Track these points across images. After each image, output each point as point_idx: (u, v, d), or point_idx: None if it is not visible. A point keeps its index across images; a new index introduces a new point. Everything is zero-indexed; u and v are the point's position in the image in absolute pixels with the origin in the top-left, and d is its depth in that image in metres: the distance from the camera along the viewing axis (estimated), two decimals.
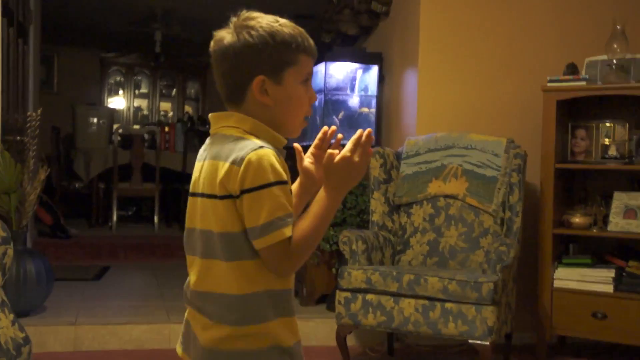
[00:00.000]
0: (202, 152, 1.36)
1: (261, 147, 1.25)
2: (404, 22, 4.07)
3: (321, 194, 1.30)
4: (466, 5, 3.85)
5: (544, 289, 3.39)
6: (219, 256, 1.29)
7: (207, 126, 7.97)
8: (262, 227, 1.23)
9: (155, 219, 6.88)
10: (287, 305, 1.32)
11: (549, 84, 3.45)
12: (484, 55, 3.85)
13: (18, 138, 3.88)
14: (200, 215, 1.33)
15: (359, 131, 1.30)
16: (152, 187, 6.89)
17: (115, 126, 8.49)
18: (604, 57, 3.42)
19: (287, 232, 1.23)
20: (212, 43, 1.34)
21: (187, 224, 1.38)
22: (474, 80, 3.85)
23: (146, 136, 7.94)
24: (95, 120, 8.06)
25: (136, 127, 9.19)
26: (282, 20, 1.32)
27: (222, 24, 1.35)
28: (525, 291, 3.50)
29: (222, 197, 1.26)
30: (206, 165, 1.31)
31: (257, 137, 1.29)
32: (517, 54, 3.86)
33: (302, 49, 1.31)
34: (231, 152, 1.26)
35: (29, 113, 3.90)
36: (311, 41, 1.33)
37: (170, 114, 9.65)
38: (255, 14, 1.32)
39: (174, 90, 9.70)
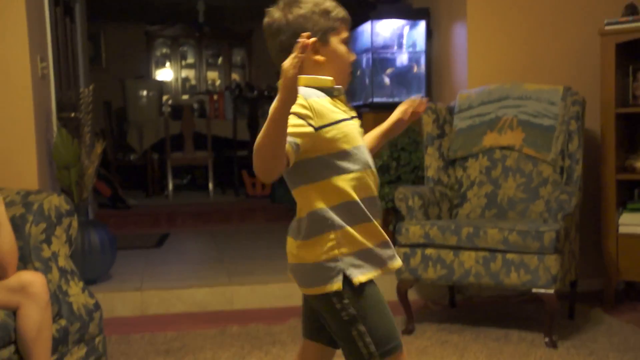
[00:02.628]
0: None
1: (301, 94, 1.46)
2: None
3: None
4: None
5: (609, 235, 3.33)
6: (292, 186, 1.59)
7: (255, 92, 7.99)
8: None
9: (210, 186, 6.98)
10: (352, 216, 1.53)
11: (606, 27, 3.34)
12: (536, 1, 3.74)
13: (72, 115, 3.96)
14: None
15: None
16: (205, 155, 6.97)
17: (164, 97, 8.59)
18: None
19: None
20: (265, 19, 1.60)
21: None
22: (526, 28, 3.74)
23: (195, 105, 8.02)
24: (144, 93, 8.16)
25: (185, 97, 9.28)
26: None
27: None
28: (589, 238, 3.44)
29: None
30: None
31: (311, 87, 1.55)
32: None
33: (340, 17, 1.61)
34: None
35: (81, 90, 3.97)
36: (345, 11, 1.63)
37: (218, 82, 9.70)
38: None
39: (220, 58, 9.73)
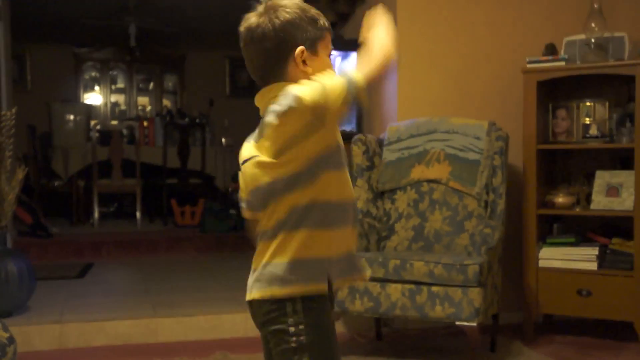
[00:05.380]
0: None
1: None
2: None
3: None
4: None
5: (529, 269, 3.41)
6: None
7: (187, 119, 7.89)
8: None
9: (138, 214, 6.82)
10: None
11: (528, 65, 3.46)
12: (463, 38, 3.85)
13: None
14: None
15: None
16: (133, 182, 6.83)
17: (92, 122, 8.40)
18: (582, 36, 3.43)
19: None
20: (243, 26, 1.47)
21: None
22: (454, 64, 3.84)
23: (125, 131, 7.86)
24: (71, 117, 7.97)
25: (114, 122, 9.10)
26: (304, 3, 1.51)
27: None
28: (510, 272, 3.52)
29: None
30: None
31: None
32: (496, 36, 3.86)
33: (326, 26, 1.51)
34: None
35: (3, 112, 3.84)
36: (328, 21, 1.53)
37: (149, 108, 9.56)
38: None
39: (151, 84, 9.61)
